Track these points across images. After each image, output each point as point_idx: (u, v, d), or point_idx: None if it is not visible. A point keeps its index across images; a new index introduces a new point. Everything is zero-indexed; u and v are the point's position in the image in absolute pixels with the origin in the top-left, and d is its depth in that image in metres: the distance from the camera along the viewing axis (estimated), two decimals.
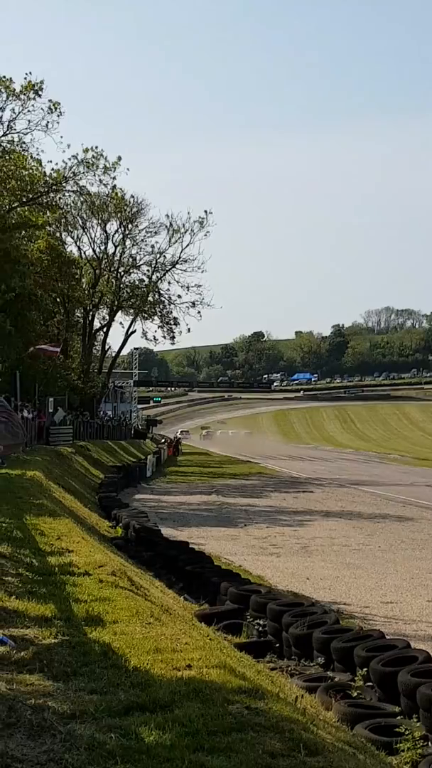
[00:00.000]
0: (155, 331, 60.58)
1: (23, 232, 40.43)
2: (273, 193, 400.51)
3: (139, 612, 7.09)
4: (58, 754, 3.94)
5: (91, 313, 58.69)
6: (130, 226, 58.02)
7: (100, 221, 57.11)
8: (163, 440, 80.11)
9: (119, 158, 45.12)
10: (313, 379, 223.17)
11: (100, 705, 4.66)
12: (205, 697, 4.88)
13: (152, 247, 58.95)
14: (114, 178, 45.54)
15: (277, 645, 9.56)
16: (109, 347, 67.99)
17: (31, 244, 41.81)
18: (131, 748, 4.08)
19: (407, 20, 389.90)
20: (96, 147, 43.51)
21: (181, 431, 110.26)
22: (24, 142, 37.80)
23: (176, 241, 58.28)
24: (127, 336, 62.24)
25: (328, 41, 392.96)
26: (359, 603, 13.18)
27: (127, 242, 58.66)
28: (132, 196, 56.64)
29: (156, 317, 59.82)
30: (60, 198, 45.88)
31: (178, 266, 58.56)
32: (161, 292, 59.60)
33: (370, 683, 7.73)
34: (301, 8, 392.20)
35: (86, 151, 42.97)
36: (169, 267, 58.75)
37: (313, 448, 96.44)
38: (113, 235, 58.01)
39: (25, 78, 36.74)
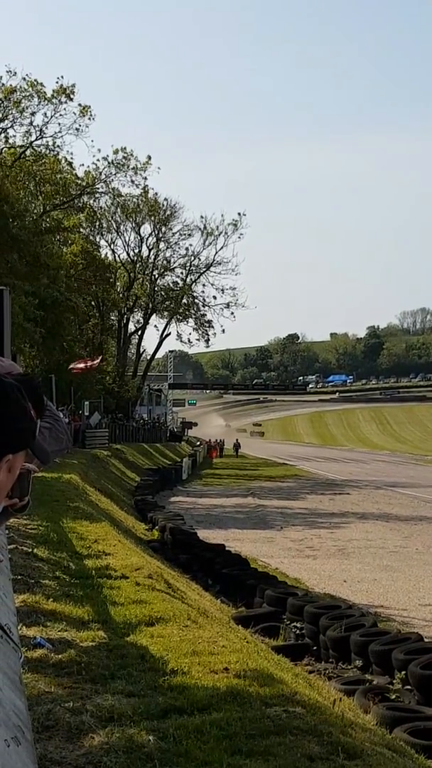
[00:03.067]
0: (190, 334, 60.75)
1: (56, 236, 40.69)
2: (308, 194, 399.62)
3: (176, 615, 7.10)
4: (97, 756, 3.95)
5: (125, 316, 58.95)
6: (163, 228, 58.23)
7: (133, 224, 57.39)
8: (198, 443, 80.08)
9: (149, 158, 45.41)
10: (348, 381, 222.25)
11: (138, 708, 4.66)
12: (243, 701, 4.88)
13: (186, 249, 59.19)
14: (145, 178, 45.81)
15: (315, 648, 9.52)
16: (144, 350, 68.31)
17: (65, 248, 42.08)
18: (169, 751, 4.08)
19: None
20: (125, 148, 43.81)
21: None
22: (57, 146, 38.12)
23: (210, 244, 58.44)
24: (162, 339, 62.51)
25: (369, 40, 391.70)
26: (397, 606, 13.09)
27: (161, 245, 58.91)
28: (165, 199, 56.92)
29: (190, 319, 60.00)
30: (93, 201, 46.19)
31: (212, 269, 58.70)
32: (195, 294, 59.75)
33: (408, 686, 7.67)
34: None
35: (116, 152, 43.26)
36: (204, 269, 58.89)
37: (349, 450, 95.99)
38: (147, 238, 58.32)
39: (57, 82, 37.07)
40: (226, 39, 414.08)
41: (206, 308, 59.36)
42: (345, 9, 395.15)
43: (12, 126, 37.01)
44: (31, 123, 37.05)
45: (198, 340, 60.69)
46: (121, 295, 55.94)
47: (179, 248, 59.29)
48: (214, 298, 58.87)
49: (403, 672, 7.81)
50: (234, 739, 4.25)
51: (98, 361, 40.38)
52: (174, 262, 59.63)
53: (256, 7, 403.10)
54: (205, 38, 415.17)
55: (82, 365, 36.06)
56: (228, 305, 58.38)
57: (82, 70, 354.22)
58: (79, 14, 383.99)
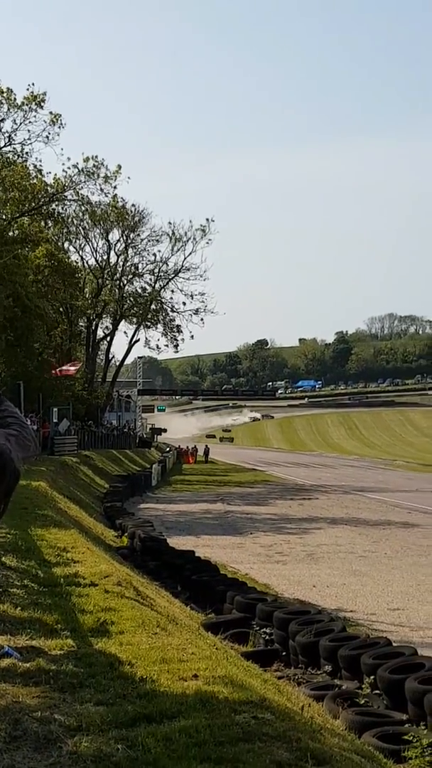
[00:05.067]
0: (158, 340, 60.67)
1: (24, 247, 40.50)
2: (276, 201, 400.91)
3: (145, 622, 7.08)
4: (65, 766, 3.93)
5: (94, 322, 58.77)
6: (132, 235, 58.14)
7: (102, 231, 57.25)
8: (168, 449, 79.99)
9: (119, 167, 45.39)
10: (317, 386, 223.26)
11: (107, 716, 4.64)
12: (212, 708, 4.87)
13: (154, 255, 59.14)
14: (115, 187, 45.80)
15: (284, 653, 9.54)
16: (113, 356, 68.15)
17: (31, 253, 41.92)
18: (138, 760, 4.06)
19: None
20: (96, 156, 43.77)
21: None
22: (27, 152, 37.98)
23: (179, 250, 58.43)
24: (131, 345, 62.38)
25: (335, 49, 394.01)
26: (366, 610, 13.15)
27: (130, 251, 58.81)
28: (133, 205, 56.85)
29: (159, 325, 59.94)
30: (62, 208, 46.06)
31: (180, 274, 58.70)
32: (164, 300, 59.71)
33: (377, 691, 7.70)
34: (309, 15, 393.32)
35: (86, 160, 43.19)
36: (172, 275, 58.88)
37: (318, 455, 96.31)
38: (115, 244, 58.20)
39: (28, 89, 36.96)
40: (209, 40, 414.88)
41: (175, 314, 59.39)
42: (337, 11, 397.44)
43: None
44: None
45: (167, 345, 60.67)
46: (89, 301, 55.78)
47: (148, 254, 59.29)
48: (183, 304, 58.92)
49: (372, 677, 7.84)
50: (203, 747, 4.24)
51: (76, 368, 40.41)
52: (142, 268, 59.62)
53: (243, 8, 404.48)
54: (184, 41, 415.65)
55: (73, 368, 36.09)
56: (197, 311, 58.43)
57: (57, 69, 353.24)
58: (53, 14, 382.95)
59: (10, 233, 38.08)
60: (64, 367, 36.23)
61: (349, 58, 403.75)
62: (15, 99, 36.50)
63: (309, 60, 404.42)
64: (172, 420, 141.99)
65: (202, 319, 58.51)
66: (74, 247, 56.85)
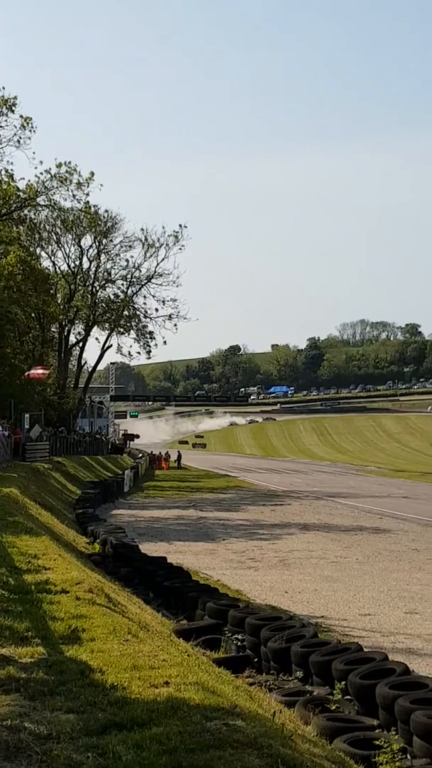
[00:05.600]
0: (131, 346, 60.61)
1: None
2: (249, 207, 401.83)
3: (117, 629, 7.07)
4: None
5: (66, 328, 58.62)
6: (104, 240, 58.09)
7: (74, 236, 57.15)
8: (140, 455, 79.86)
9: (92, 174, 45.39)
10: (289, 392, 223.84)
11: (78, 724, 4.64)
12: (183, 715, 4.87)
13: (127, 261, 59.11)
14: (87, 193, 45.79)
15: (256, 660, 9.54)
16: (86, 362, 67.98)
17: (3, 260, 41.78)
18: None
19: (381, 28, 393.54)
20: (69, 162, 43.74)
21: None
22: None
23: (151, 256, 58.46)
24: (103, 351, 62.25)
25: (307, 55, 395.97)
26: (337, 616, 13.18)
27: (102, 257, 58.75)
28: (106, 211, 56.80)
29: (132, 331, 59.88)
30: (34, 213, 45.97)
31: (153, 280, 58.71)
32: (137, 306, 59.69)
33: (348, 697, 7.72)
34: (279, 20, 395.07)
35: (59, 165, 43.16)
36: (145, 281, 58.86)
37: (290, 461, 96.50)
38: (88, 250, 58.12)
39: None
40: (177, 46, 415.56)
41: (148, 320, 59.36)
42: (301, 17, 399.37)
43: None
44: None
45: (139, 352, 60.60)
46: (61, 307, 55.62)
47: (120, 260, 59.26)
48: (156, 310, 58.91)
49: (343, 682, 7.86)
50: (174, 754, 4.24)
51: (48, 371, 40.26)
52: (115, 274, 59.57)
53: (208, 17, 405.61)
54: (155, 46, 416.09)
55: (41, 371, 35.91)
56: (170, 317, 58.44)
57: (26, 79, 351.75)
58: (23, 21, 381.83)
59: None
60: (33, 371, 36.05)
61: (323, 65, 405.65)
62: None
63: (278, 66, 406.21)
64: (144, 426, 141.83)
65: (175, 325, 58.59)
66: (46, 253, 56.77)
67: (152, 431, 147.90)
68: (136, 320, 59.61)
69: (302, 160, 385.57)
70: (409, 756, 6.50)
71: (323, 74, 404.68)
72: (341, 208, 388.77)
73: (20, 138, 37.29)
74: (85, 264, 58.43)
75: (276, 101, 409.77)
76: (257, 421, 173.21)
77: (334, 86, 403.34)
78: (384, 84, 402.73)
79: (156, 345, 59.62)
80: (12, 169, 40.37)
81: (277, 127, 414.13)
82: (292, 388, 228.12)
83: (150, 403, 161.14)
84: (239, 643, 9.94)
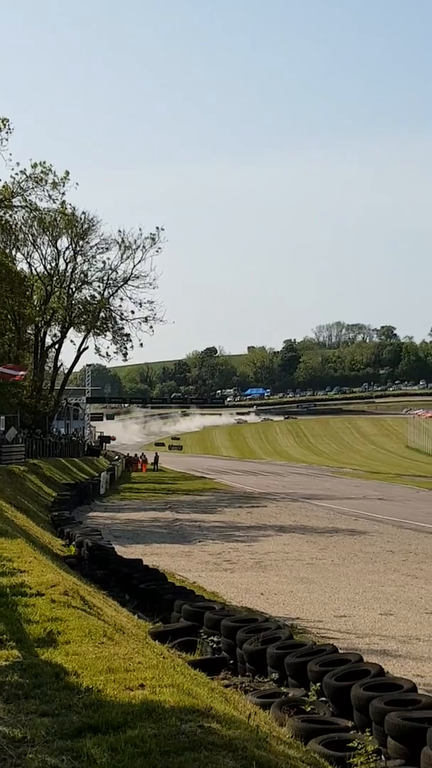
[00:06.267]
0: (107, 347, 60.42)
1: None
2: (225, 211, 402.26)
3: (92, 632, 7.05)
4: None
5: (42, 330, 58.39)
6: (81, 242, 57.89)
7: (50, 238, 56.95)
8: (117, 457, 79.71)
9: (67, 173, 45.26)
10: (265, 394, 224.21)
11: (52, 728, 4.63)
12: (158, 717, 4.87)
13: (104, 263, 58.92)
14: (63, 193, 45.65)
15: (232, 662, 9.55)
16: (62, 364, 67.71)
17: None
18: None
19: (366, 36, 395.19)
20: (44, 162, 43.60)
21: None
22: None
23: (128, 258, 58.30)
24: (80, 353, 62.00)
25: (287, 59, 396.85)
26: (313, 617, 13.22)
27: (79, 258, 58.54)
28: (83, 213, 56.65)
29: (108, 333, 59.71)
30: (9, 215, 45.78)
31: (130, 282, 58.56)
32: (113, 308, 59.53)
33: (323, 698, 7.75)
34: (261, 23, 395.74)
35: (34, 166, 42.99)
36: (121, 283, 58.71)
37: (266, 463, 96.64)
38: (64, 252, 57.90)
39: None
40: (156, 49, 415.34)
41: (124, 322, 59.21)
42: (262, 20, 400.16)
43: None
44: None
45: (116, 353, 60.40)
46: (37, 309, 55.40)
47: (97, 262, 59.05)
48: (132, 312, 58.77)
49: (319, 684, 7.88)
50: (148, 757, 4.24)
51: (23, 373, 40.03)
52: (91, 276, 59.35)
53: (176, 20, 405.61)
54: (118, 51, 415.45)
55: (11, 371, 35.68)
56: (146, 319, 58.31)
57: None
58: None
59: None
60: (7, 371, 35.84)
61: (292, 71, 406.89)
62: None
63: (250, 72, 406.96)
64: (120, 428, 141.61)
65: (151, 327, 58.48)
66: (22, 254, 56.52)
67: (128, 433, 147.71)
68: (113, 322, 59.47)
69: (278, 164, 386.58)
70: (383, 757, 6.53)
71: (294, 78, 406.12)
72: (317, 211, 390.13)
73: None
74: (62, 266, 58.23)
75: (252, 106, 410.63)
76: (258, 421, 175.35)
77: (306, 90, 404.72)
78: (361, 88, 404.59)
79: (132, 347, 59.53)
80: None
81: (252, 132, 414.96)
82: (268, 390, 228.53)
83: (126, 405, 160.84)
84: (215, 645, 9.95)
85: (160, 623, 10.97)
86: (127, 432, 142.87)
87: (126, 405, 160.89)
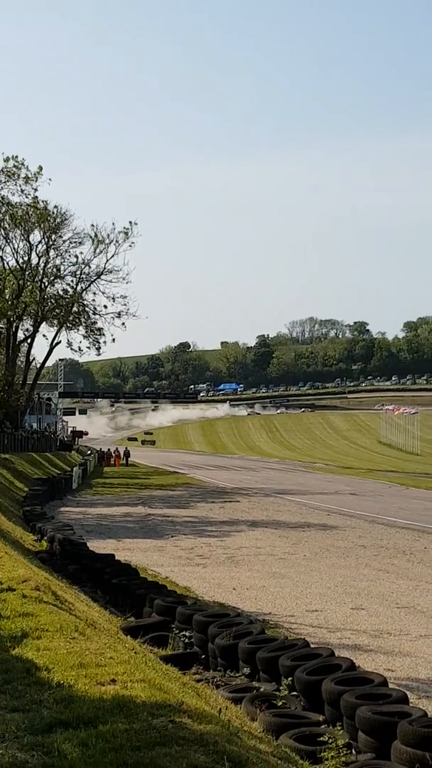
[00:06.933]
0: (80, 342, 60.14)
1: None
2: (199, 207, 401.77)
3: (64, 627, 7.03)
4: None
5: (14, 324, 58.03)
6: (53, 236, 57.57)
7: (23, 232, 56.58)
8: (89, 452, 79.53)
9: (40, 168, 45.02)
10: (239, 389, 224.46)
11: (22, 723, 4.61)
12: (129, 712, 4.86)
13: (76, 257, 58.63)
14: (36, 189, 45.39)
15: (203, 656, 9.55)
16: (34, 359, 67.34)
17: None
18: (54, 766, 4.04)
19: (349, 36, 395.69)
20: (17, 156, 43.33)
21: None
22: None
23: (101, 252, 58.02)
24: (52, 347, 61.70)
25: (264, 59, 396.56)
26: (285, 612, 13.24)
27: (51, 253, 58.21)
28: (56, 207, 56.35)
29: (80, 327, 59.43)
30: None
31: (102, 277, 58.30)
32: (86, 302, 59.26)
33: (295, 692, 7.77)
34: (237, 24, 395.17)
35: (6, 160, 42.70)
36: (94, 278, 58.45)
37: (239, 458, 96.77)
38: (36, 246, 57.56)
39: None
40: (127, 50, 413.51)
41: (97, 317, 58.95)
42: (255, 22, 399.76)
43: None
44: None
45: (88, 348, 60.14)
46: (9, 303, 55.07)
47: (69, 256, 58.74)
48: (105, 307, 58.52)
49: (290, 678, 7.90)
50: (119, 752, 4.23)
51: None
52: (64, 270, 59.04)
53: (158, 21, 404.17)
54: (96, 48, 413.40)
55: None
56: (119, 314, 58.07)
57: None
58: None
59: None
60: None
61: (267, 72, 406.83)
62: None
63: (226, 71, 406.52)
64: (93, 423, 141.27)
65: (123, 324, 58.26)
66: None
67: (101, 428, 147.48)
68: (85, 317, 59.20)
69: (254, 162, 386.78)
70: (354, 751, 6.56)
71: (278, 76, 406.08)
72: (291, 208, 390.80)
73: None
74: (34, 260, 57.90)
75: (228, 104, 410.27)
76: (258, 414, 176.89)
77: (288, 89, 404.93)
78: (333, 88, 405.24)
79: (105, 342, 59.28)
80: None
81: (229, 130, 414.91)
82: (241, 385, 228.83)
83: (99, 399, 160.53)
84: (187, 640, 9.95)
85: (132, 618, 10.95)
86: (93, 425, 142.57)
87: (98, 400, 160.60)
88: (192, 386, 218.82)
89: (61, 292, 59.29)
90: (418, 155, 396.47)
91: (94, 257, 58.34)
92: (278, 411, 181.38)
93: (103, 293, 58.52)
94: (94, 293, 58.90)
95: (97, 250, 58.03)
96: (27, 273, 57.32)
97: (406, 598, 14.53)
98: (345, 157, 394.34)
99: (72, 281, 59.07)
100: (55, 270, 58.78)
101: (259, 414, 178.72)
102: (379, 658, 10.34)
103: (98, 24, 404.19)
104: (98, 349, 60.07)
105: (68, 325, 59.47)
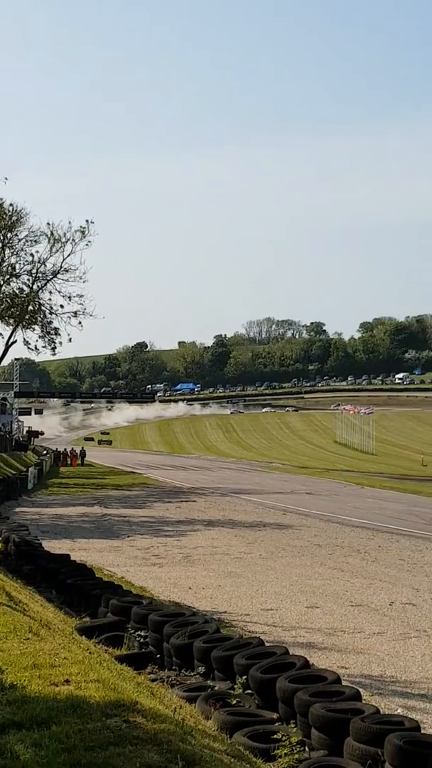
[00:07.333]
0: (36, 341, 59.68)
1: None
2: (157, 206, 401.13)
3: (17, 628, 7.01)
4: None
5: None
6: (9, 234, 57.12)
7: None
8: (45, 452, 79.03)
9: None
10: (196, 389, 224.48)
11: None
12: (83, 712, 4.87)
13: (32, 255, 58.18)
14: None
15: (159, 656, 9.56)
16: None
17: None
18: (6, 767, 4.03)
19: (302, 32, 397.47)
20: None
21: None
22: None
23: (57, 251, 57.64)
24: (8, 346, 61.06)
25: (207, 59, 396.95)
26: (240, 611, 13.30)
27: (6, 251, 57.72)
28: (11, 205, 55.90)
29: (36, 327, 59.00)
30: None
31: (59, 276, 57.92)
32: (42, 301, 58.84)
33: (249, 691, 7.81)
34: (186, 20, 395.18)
35: None
36: (50, 276, 58.06)
37: (196, 458, 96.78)
38: None
39: None
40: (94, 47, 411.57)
41: (53, 316, 58.55)
42: (203, 24, 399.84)
43: None
44: None
45: (44, 347, 59.69)
46: None
47: (25, 254, 58.26)
48: (61, 306, 58.14)
49: (245, 677, 7.94)
50: (73, 752, 4.24)
51: None
52: (20, 269, 58.55)
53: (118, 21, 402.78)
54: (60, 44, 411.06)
55: None
56: (75, 313, 57.71)
57: None
58: None
59: None
60: None
61: (222, 70, 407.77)
62: None
63: (183, 68, 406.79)
64: (49, 423, 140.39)
65: (80, 323, 57.93)
66: None
67: (57, 428, 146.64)
68: (41, 316, 58.79)
69: (211, 160, 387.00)
70: (307, 748, 6.61)
71: (229, 74, 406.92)
72: (250, 208, 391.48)
73: None
74: None
75: (169, 101, 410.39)
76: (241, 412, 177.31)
77: (238, 89, 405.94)
78: (290, 85, 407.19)
79: (61, 342, 58.88)
80: None
81: (185, 127, 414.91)
82: (198, 385, 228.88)
83: (55, 399, 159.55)
84: (142, 640, 9.95)
85: (87, 618, 10.92)
86: (47, 425, 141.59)
87: (55, 400, 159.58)
88: (149, 386, 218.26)
89: (16, 291, 58.83)
90: (374, 155, 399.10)
91: (51, 256, 57.97)
92: (231, 411, 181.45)
93: (59, 292, 58.10)
94: (51, 292, 58.48)
95: (54, 249, 57.69)
96: None
97: (360, 597, 14.67)
98: (299, 156, 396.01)
99: (28, 280, 58.66)
100: (10, 269, 58.31)
101: (242, 413, 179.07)
102: (333, 656, 10.43)
103: (47, 22, 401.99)
104: (53, 348, 59.64)
105: (24, 324, 59.04)
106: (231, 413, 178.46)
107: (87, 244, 57.52)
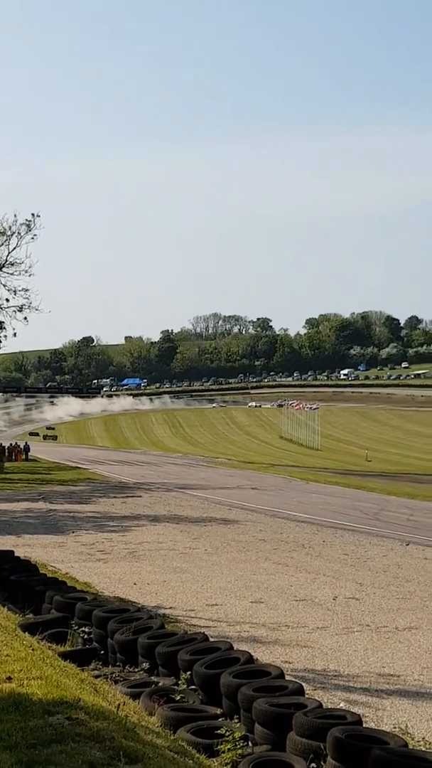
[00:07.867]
0: None
1: None
2: (105, 199, 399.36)
3: None
4: None
5: None
6: None
7: None
8: None
9: None
10: (142, 384, 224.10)
11: None
12: (25, 710, 4.84)
13: None
14: None
15: (103, 652, 9.53)
16: None
17: None
18: None
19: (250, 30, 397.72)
20: None
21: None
22: None
23: (2, 244, 57.10)
24: None
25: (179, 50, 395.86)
26: (185, 606, 13.30)
27: None
28: None
29: None
30: None
31: (4, 269, 57.37)
32: None
33: (193, 686, 7.82)
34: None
35: None
36: None
37: (142, 453, 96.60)
38: None
39: None
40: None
41: None
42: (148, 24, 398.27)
43: None
44: None
45: None
46: None
47: None
48: (7, 300, 57.58)
49: (189, 672, 7.95)
50: (14, 750, 4.20)
51: None
52: None
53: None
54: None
55: None
56: (21, 308, 57.20)
57: None
58: None
59: None
60: None
61: (172, 68, 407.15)
62: None
63: (128, 65, 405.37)
64: None
65: (25, 318, 57.42)
66: None
67: (1, 423, 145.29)
68: None
69: (160, 154, 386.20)
70: (250, 743, 6.64)
71: (183, 71, 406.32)
72: (198, 203, 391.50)
73: None
74: None
75: (120, 95, 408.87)
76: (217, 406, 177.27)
77: (177, 87, 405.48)
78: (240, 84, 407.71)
79: (6, 337, 58.31)
80: None
81: (137, 122, 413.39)
82: (145, 380, 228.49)
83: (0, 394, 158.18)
84: (86, 636, 9.91)
85: (30, 615, 10.85)
86: None
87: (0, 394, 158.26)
88: (95, 381, 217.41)
89: None
90: (320, 154, 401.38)
91: None
92: (213, 406, 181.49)
93: (4, 286, 57.60)
94: None
95: None
96: None
97: (304, 591, 14.76)
98: (247, 154, 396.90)
99: None
100: None
101: (224, 406, 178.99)
102: (277, 651, 10.48)
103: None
104: None
105: None
106: (213, 407, 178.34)
107: (33, 238, 57.06)
